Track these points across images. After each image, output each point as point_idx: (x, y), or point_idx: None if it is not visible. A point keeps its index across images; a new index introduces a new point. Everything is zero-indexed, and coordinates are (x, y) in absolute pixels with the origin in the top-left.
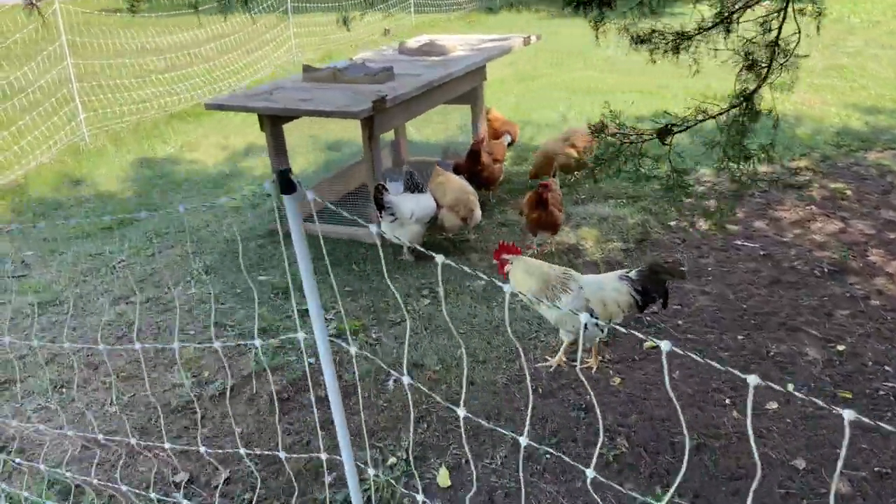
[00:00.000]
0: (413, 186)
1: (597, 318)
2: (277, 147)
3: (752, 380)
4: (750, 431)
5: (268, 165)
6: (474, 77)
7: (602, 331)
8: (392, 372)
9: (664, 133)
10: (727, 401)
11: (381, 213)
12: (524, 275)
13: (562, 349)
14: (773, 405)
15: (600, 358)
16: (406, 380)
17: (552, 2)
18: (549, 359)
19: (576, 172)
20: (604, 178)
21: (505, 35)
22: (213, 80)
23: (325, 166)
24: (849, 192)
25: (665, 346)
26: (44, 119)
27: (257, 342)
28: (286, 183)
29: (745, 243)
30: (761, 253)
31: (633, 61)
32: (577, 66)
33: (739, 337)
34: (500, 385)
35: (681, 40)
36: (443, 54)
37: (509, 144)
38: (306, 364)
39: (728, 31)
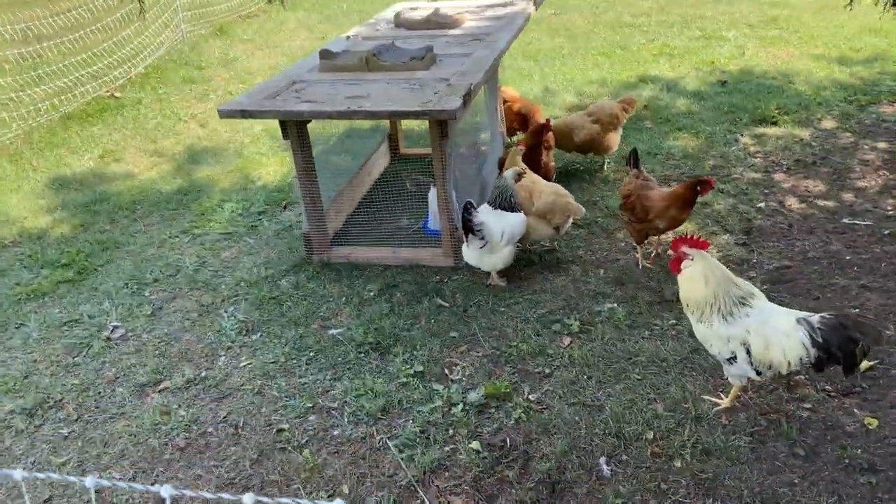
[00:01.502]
0: (506, 204)
1: (751, 355)
2: (306, 159)
3: None
4: None
5: (231, 174)
6: None
7: (758, 373)
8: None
9: None
10: None
11: (467, 237)
12: (699, 278)
13: (734, 387)
14: None
15: (814, 391)
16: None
17: None
18: (721, 398)
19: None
20: None
21: None
22: (103, 71)
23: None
24: None
25: None
26: None
27: None
28: None
29: (855, 221)
30: (885, 232)
31: (563, 21)
32: None
33: None
34: (744, 449)
35: None
36: (455, 26)
37: None
38: None
39: None
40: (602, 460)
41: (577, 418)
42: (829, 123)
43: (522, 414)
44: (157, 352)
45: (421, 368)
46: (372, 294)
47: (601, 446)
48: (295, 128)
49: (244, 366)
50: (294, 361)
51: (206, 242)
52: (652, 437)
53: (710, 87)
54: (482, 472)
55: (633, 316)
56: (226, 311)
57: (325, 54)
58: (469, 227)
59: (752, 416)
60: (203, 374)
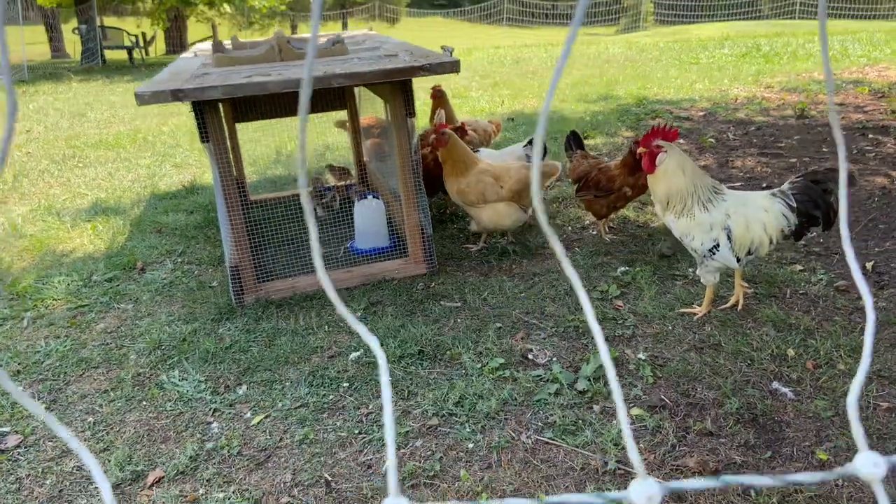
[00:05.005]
0: None
1: (732, 240)
2: (231, 170)
3: None
4: None
5: (25, 256)
6: None
7: (738, 260)
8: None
9: None
10: None
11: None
12: (676, 169)
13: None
14: None
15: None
16: None
17: None
18: (695, 308)
19: None
20: None
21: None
22: None
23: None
24: (711, 140)
25: None
26: None
27: None
28: None
29: (733, 186)
30: (763, 185)
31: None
32: None
33: None
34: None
35: None
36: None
37: None
38: None
39: None
40: (776, 384)
41: (708, 360)
42: (628, 133)
43: (653, 370)
44: (100, 445)
45: (502, 360)
46: (359, 314)
47: (763, 375)
48: (214, 123)
49: (259, 421)
50: (330, 398)
51: (58, 321)
52: (794, 353)
53: (504, 122)
54: (678, 433)
55: (656, 271)
56: (168, 377)
57: (219, 47)
58: None
59: (846, 316)
60: (208, 445)
